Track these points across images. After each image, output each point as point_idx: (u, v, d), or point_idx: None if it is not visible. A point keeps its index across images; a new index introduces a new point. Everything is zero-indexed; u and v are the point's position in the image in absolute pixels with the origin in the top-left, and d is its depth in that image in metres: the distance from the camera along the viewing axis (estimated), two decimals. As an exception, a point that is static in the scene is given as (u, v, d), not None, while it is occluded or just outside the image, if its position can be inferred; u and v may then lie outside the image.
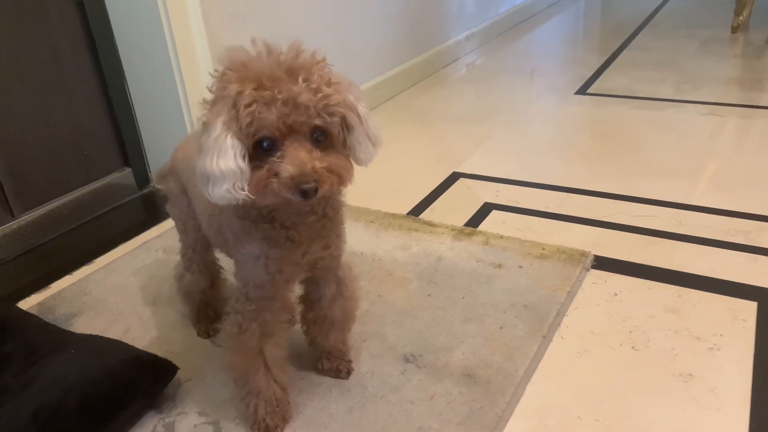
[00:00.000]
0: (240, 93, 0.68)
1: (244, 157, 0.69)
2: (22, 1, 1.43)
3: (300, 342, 1.04)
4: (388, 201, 1.59)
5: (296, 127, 0.69)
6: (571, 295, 1.19)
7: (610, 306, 1.16)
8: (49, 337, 1.04)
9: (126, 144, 1.73)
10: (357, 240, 1.41)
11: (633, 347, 1.06)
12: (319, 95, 0.69)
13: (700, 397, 0.95)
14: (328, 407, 0.96)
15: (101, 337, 1.05)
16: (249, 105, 0.67)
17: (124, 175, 1.74)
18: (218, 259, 1.10)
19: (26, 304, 1.27)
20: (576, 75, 2.61)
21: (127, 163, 1.75)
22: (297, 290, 0.97)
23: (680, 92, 2.30)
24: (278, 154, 0.69)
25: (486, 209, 1.55)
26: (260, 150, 0.70)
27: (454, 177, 1.74)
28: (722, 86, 2.36)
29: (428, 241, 1.39)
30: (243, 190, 0.69)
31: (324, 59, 0.72)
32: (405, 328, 1.12)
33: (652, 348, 1.05)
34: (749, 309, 1.13)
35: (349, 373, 1.02)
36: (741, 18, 3.05)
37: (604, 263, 1.29)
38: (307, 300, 0.97)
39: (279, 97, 0.67)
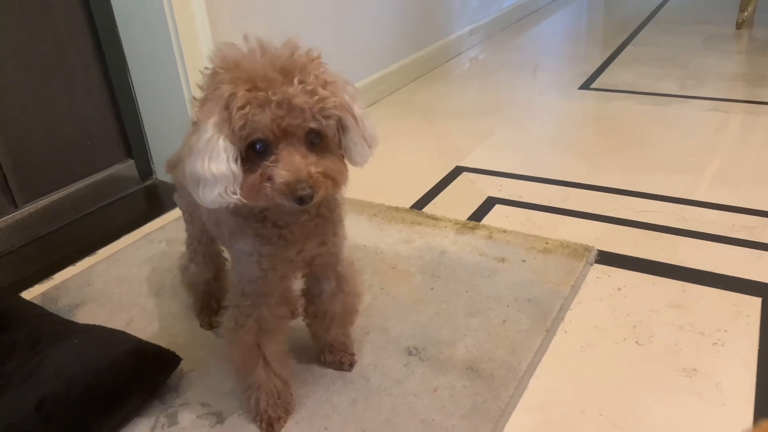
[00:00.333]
0: (233, 94, 0.66)
1: (236, 161, 0.67)
2: (25, -9, 1.43)
3: (303, 334, 1.03)
4: (391, 195, 1.59)
5: (291, 130, 0.67)
6: (575, 289, 1.19)
7: (613, 301, 1.16)
8: (53, 327, 1.04)
9: (129, 136, 1.72)
10: (360, 233, 1.40)
11: (637, 342, 1.05)
12: (315, 98, 0.67)
13: (704, 393, 0.94)
14: (331, 399, 0.96)
15: (105, 327, 1.04)
16: (242, 107, 0.65)
17: (126, 167, 1.74)
18: (223, 251, 1.10)
19: (29, 294, 1.27)
20: (580, 70, 2.60)
21: (130, 154, 1.75)
22: (300, 284, 0.97)
23: (684, 88, 2.29)
24: (272, 158, 0.68)
25: (489, 203, 1.55)
26: (253, 152, 0.68)
27: (457, 171, 1.74)
28: (727, 82, 2.35)
29: (431, 234, 1.39)
30: (235, 194, 0.68)
31: (319, 57, 0.70)
32: (408, 322, 1.12)
33: (656, 343, 1.05)
34: (753, 304, 1.12)
35: (351, 365, 1.02)
36: (746, 14, 3.03)
37: (607, 258, 1.29)
38: (307, 294, 0.97)
39: (273, 98, 0.65)
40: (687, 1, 3.75)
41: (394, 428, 0.90)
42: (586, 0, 4.05)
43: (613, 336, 1.07)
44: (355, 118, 0.72)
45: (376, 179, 1.68)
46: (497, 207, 1.53)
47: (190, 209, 1.03)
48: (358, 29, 2.26)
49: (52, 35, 1.50)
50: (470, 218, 1.47)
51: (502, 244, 1.34)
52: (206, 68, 0.71)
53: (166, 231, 1.49)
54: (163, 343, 1.02)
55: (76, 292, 1.27)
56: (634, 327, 1.09)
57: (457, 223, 1.43)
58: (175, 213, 1.52)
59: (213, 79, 0.69)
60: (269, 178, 0.68)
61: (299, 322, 1.04)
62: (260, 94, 0.65)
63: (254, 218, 0.78)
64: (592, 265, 1.27)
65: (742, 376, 0.97)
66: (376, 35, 2.37)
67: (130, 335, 1.02)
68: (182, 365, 1.03)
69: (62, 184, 1.59)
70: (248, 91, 0.65)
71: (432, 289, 1.21)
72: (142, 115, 1.74)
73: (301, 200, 0.67)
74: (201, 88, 0.71)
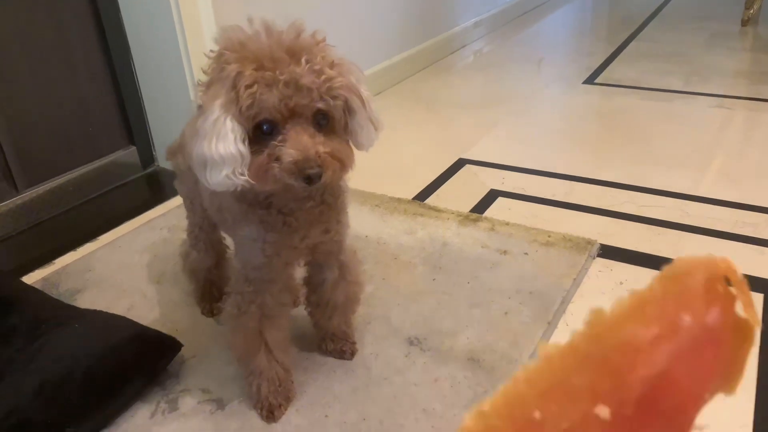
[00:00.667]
0: (240, 73, 0.65)
1: (244, 141, 0.66)
2: (29, -26, 1.42)
3: (304, 323, 1.03)
4: (393, 185, 1.58)
5: (298, 111, 0.66)
6: (577, 282, 1.19)
7: (615, 294, 1.16)
8: (54, 312, 1.04)
9: (131, 122, 1.72)
10: (362, 223, 1.40)
11: (638, 336, 1.05)
12: (323, 77, 0.66)
13: (704, 387, 0.94)
14: (332, 387, 0.96)
15: (105, 312, 1.04)
16: (250, 86, 0.65)
17: (128, 153, 1.73)
18: (224, 238, 1.10)
19: (30, 279, 1.27)
20: (584, 65, 2.59)
21: (132, 141, 1.74)
22: (301, 272, 0.97)
23: (689, 84, 2.29)
24: (279, 138, 0.67)
25: (492, 196, 1.54)
26: (260, 134, 0.68)
27: (460, 163, 1.73)
28: (731, 79, 2.35)
29: (434, 226, 1.39)
30: (243, 175, 0.67)
31: (324, 39, 0.70)
32: (410, 312, 1.12)
33: (658, 337, 1.05)
34: (756, 300, 1.12)
35: (353, 354, 1.02)
36: (751, 11, 3.02)
37: (610, 252, 1.29)
38: (310, 283, 0.97)
39: (281, 78, 0.64)
40: (692, -2, 3.74)
41: (395, 417, 0.90)
42: (591, -5, 4.03)
43: (614, 329, 1.07)
44: (362, 100, 0.72)
45: (379, 170, 1.67)
46: (500, 199, 1.53)
47: (191, 196, 1.03)
48: (364, 19, 2.25)
49: (55, 20, 1.49)
50: (473, 210, 1.47)
51: (505, 236, 1.33)
52: (211, 51, 0.70)
53: (168, 218, 1.49)
54: (164, 330, 1.02)
55: (77, 278, 1.27)
56: (635, 321, 1.09)
57: (460, 215, 1.43)
58: (177, 200, 1.51)
59: (218, 61, 0.68)
60: (277, 159, 0.67)
61: (300, 311, 1.04)
62: (267, 73, 0.65)
63: (259, 205, 0.77)
64: (594, 258, 1.27)
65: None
66: (381, 26, 2.36)
67: (131, 321, 1.02)
68: (183, 351, 1.02)
69: (64, 169, 1.58)
70: (255, 70, 0.65)
71: (434, 280, 1.21)
72: (144, 101, 1.73)
73: (309, 179, 0.66)
74: (205, 72, 0.70)
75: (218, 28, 0.69)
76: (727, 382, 0.30)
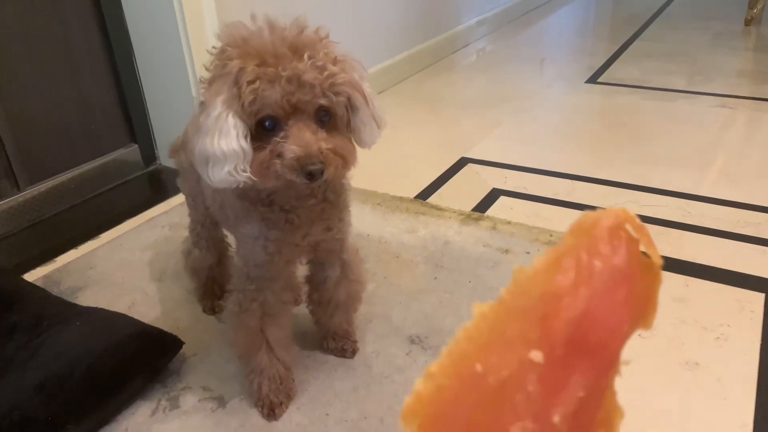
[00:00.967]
0: (242, 69, 0.65)
1: (246, 138, 0.66)
2: (31, -28, 1.42)
3: (305, 321, 1.03)
4: (395, 184, 1.58)
5: (301, 107, 0.66)
6: (578, 282, 1.19)
7: (617, 294, 1.16)
8: (55, 310, 1.04)
9: (133, 120, 1.72)
10: (364, 222, 1.40)
11: (639, 335, 1.04)
12: (325, 73, 0.66)
13: (705, 386, 0.94)
14: (333, 385, 0.96)
15: (107, 310, 1.04)
16: (252, 82, 0.64)
17: (130, 152, 1.73)
18: (226, 236, 1.10)
19: (31, 276, 1.27)
20: (587, 64, 2.59)
21: (134, 139, 1.74)
22: (303, 270, 0.97)
23: (692, 84, 2.28)
24: (281, 134, 0.67)
25: (494, 195, 1.54)
26: (262, 130, 0.67)
27: (462, 162, 1.73)
28: (734, 79, 2.34)
29: (435, 225, 1.39)
30: (245, 171, 0.67)
31: (327, 36, 0.70)
32: (411, 310, 1.12)
33: (659, 336, 1.05)
34: (757, 300, 1.12)
35: (354, 352, 1.02)
36: (755, 11, 3.01)
37: (611, 251, 1.28)
38: (312, 281, 0.96)
39: (283, 74, 0.64)
40: (696, -3, 3.73)
41: (396, 415, 0.90)
42: (594, -6, 4.03)
43: (616, 329, 1.07)
44: (364, 97, 0.71)
45: (382, 169, 1.67)
46: (502, 198, 1.52)
47: (193, 194, 1.03)
48: (366, 18, 2.25)
49: (57, 18, 1.49)
50: (475, 209, 1.47)
51: (507, 235, 1.33)
52: (213, 47, 0.70)
53: (170, 216, 1.49)
54: (165, 328, 1.02)
55: (79, 276, 1.27)
56: (637, 320, 1.08)
57: (462, 214, 1.43)
58: (179, 198, 1.51)
59: (220, 57, 0.68)
60: (279, 155, 0.67)
61: (302, 309, 1.04)
62: (270, 69, 0.64)
63: (261, 202, 0.77)
64: (596, 258, 1.26)
65: (743, 370, 0.97)
66: (384, 24, 2.36)
67: (132, 318, 1.02)
68: (184, 349, 1.02)
69: (65, 167, 1.59)
70: (258, 66, 0.65)
71: (435, 278, 1.21)
72: (146, 99, 1.74)
73: (311, 176, 0.66)
74: (208, 69, 0.70)
75: (221, 25, 0.69)
76: (644, 318, 0.33)
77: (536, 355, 0.29)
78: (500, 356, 0.30)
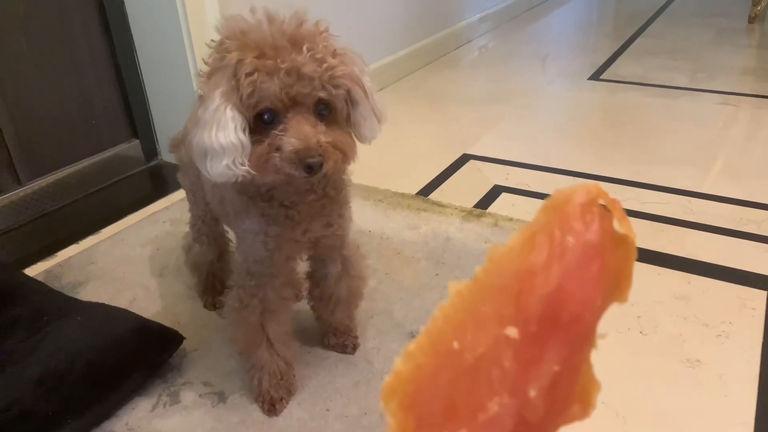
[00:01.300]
0: (240, 61, 0.64)
1: (244, 131, 0.66)
2: (33, -34, 1.42)
3: (306, 317, 1.03)
4: (397, 181, 1.58)
5: (300, 99, 0.66)
6: (580, 278, 1.18)
7: (618, 291, 1.15)
8: (56, 304, 1.04)
9: (134, 115, 1.72)
10: (365, 219, 1.40)
11: (641, 332, 1.05)
12: (324, 66, 0.66)
13: (707, 384, 0.94)
14: (333, 381, 0.96)
15: (108, 305, 1.04)
16: (250, 74, 0.64)
17: (132, 147, 1.73)
18: (227, 232, 1.09)
19: (32, 271, 1.27)
20: (589, 61, 2.58)
21: (135, 134, 1.74)
22: (304, 266, 0.97)
23: (695, 81, 2.27)
24: (280, 127, 0.66)
25: (495, 192, 1.54)
26: (261, 123, 0.67)
27: (464, 159, 1.73)
28: (737, 76, 2.33)
29: (437, 221, 1.39)
30: (243, 165, 0.66)
31: (327, 29, 0.69)
32: (412, 307, 1.12)
33: (661, 333, 1.04)
34: (759, 297, 1.12)
35: (355, 348, 1.02)
36: (758, 8, 3.00)
37: (613, 248, 1.28)
38: (313, 277, 0.96)
39: (282, 66, 0.64)
40: (699, -6, 3.72)
41: (396, 412, 0.90)
42: (597, -9, 4.01)
43: (617, 326, 1.07)
44: (364, 90, 0.71)
45: (383, 165, 1.67)
46: (504, 195, 1.52)
47: (194, 189, 1.03)
48: (367, 14, 2.24)
49: (58, 12, 1.49)
50: (476, 206, 1.47)
51: (508, 232, 1.33)
52: (212, 40, 0.69)
53: (171, 211, 1.49)
54: (166, 323, 1.02)
55: (80, 271, 1.27)
56: (638, 317, 1.08)
57: (463, 211, 1.42)
58: (180, 193, 1.51)
59: (219, 50, 0.68)
60: (278, 148, 0.66)
61: (303, 305, 1.04)
62: (269, 62, 0.64)
63: (260, 197, 0.77)
64: (597, 255, 1.26)
65: (745, 368, 0.97)
66: (385, 20, 2.35)
67: (133, 313, 1.02)
68: (185, 345, 1.02)
69: (67, 162, 1.58)
70: (256, 58, 0.64)
71: (437, 275, 1.20)
72: (147, 94, 1.73)
73: (310, 169, 0.66)
74: (206, 62, 0.70)
75: (220, 18, 0.68)
76: (619, 291, 0.33)
77: (512, 332, 0.30)
78: (476, 333, 0.30)
